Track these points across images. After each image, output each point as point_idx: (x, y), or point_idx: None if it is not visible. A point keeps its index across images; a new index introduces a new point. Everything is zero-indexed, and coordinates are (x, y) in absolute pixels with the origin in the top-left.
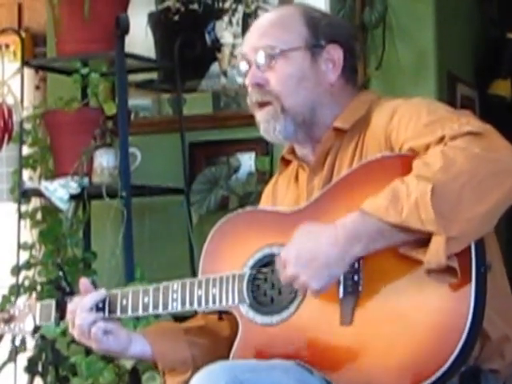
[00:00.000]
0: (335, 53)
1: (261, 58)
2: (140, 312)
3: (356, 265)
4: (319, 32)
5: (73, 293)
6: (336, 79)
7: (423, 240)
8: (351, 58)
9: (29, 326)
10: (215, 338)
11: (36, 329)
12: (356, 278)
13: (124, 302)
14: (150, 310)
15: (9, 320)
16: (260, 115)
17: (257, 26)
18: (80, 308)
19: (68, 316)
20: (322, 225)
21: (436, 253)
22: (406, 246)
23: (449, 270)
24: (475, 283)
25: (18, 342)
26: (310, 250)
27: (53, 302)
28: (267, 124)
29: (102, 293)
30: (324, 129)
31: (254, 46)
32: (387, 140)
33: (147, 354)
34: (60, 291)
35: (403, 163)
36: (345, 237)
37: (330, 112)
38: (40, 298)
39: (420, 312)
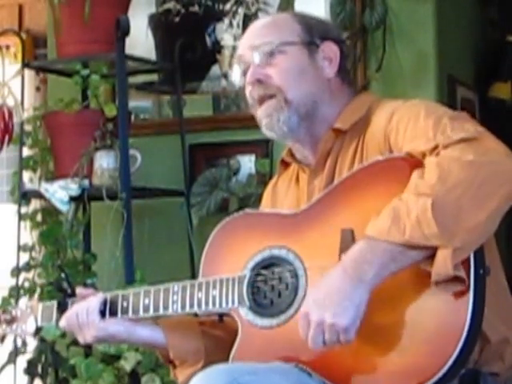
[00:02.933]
0: (331, 50)
1: (259, 55)
2: (141, 314)
3: None
4: (313, 31)
5: (74, 294)
6: (333, 75)
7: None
8: (344, 59)
9: (31, 327)
10: (228, 332)
11: (38, 330)
12: None
13: (125, 303)
14: (151, 312)
15: (11, 321)
16: (261, 111)
17: (251, 29)
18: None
19: (72, 321)
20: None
21: (443, 265)
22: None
23: (455, 278)
24: (474, 286)
25: (19, 343)
26: (325, 291)
27: (54, 303)
28: (269, 118)
29: (100, 296)
30: (324, 126)
31: (250, 45)
32: (386, 141)
33: (158, 339)
34: (62, 292)
35: (403, 166)
36: (353, 265)
37: (329, 109)
38: (40, 299)
39: (419, 315)
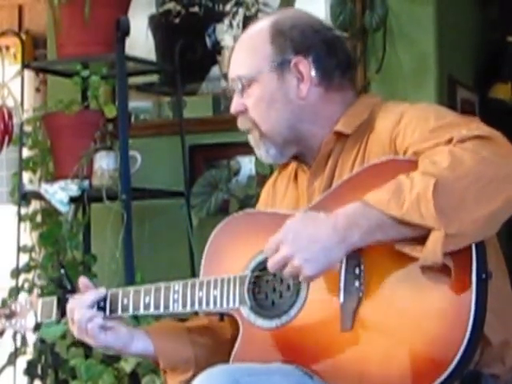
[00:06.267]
0: (302, 66)
1: (236, 88)
2: (141, 312)
3: (357, 270)
4: (286, 46)
5: (74, 291)
6: (307, 92)
7: (421, 238)
8: (326, 62)
9: (30, 322)
10: (218, 338)
11: (37, 325)
12: (357, 283)
13: (125, 301)
14: (151, 310)
15: (10, 316)
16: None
17: (232, 55)
18: (79, 304)
19: (68, 313)
20: (321, 212)
21: (433, 250)
22: (404, 242)
23: (444, 269)
24: (476, 290)
25: (18, 339)
26: (309, 233)
27: (54, 299)
28: (255, 150)
29: (101, 291)
30: (319, 139)
31: (230, 76)
32: (392, 144)
33: (149, 351)
34: (61, 289)
35: (407, 167)
36: (344, 224)
37: (314, 125)
38: None
39: (420, 320)
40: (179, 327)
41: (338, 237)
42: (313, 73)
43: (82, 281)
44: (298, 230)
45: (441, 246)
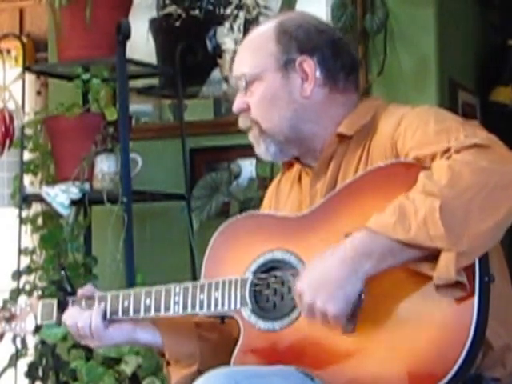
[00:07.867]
0: (306, 65)
1: (240, 85)
2: (141, 314)
3: None
4: (291, 46)
5: (74, 293)
6: (311, 92)
7: (430, 254)
8: (331, 63)
9: (30, 325)
10: (225, 335)
11: (37, 328)
12: None
13: (126, 303)
14: (152, 313)
15: (10, 318)
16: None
17: (237, 52)
18: (77, 311)
19: (71, 326)
20: (329, 249)
21: (446, 269)
22: (414, 261)
23: (457, 284)
24: (478, 294)
25: (18, 342)
26: (320, 274)
27: (54, 302)
28: (255, 147)
29: (88, 288)
30: (321, 140)
31: (234, 74)
32: (393, 147)
33: (158, 342)
34: (62, 291)
35: (408, 171)
36: (353, 256)
37: (317, 125)
38: None
39: (422, 323)
40: (187, 321)
41: (348, 270)
42: (317, 73)
43: (88, 289)
44: (310, 275)
45: (453, 264)
